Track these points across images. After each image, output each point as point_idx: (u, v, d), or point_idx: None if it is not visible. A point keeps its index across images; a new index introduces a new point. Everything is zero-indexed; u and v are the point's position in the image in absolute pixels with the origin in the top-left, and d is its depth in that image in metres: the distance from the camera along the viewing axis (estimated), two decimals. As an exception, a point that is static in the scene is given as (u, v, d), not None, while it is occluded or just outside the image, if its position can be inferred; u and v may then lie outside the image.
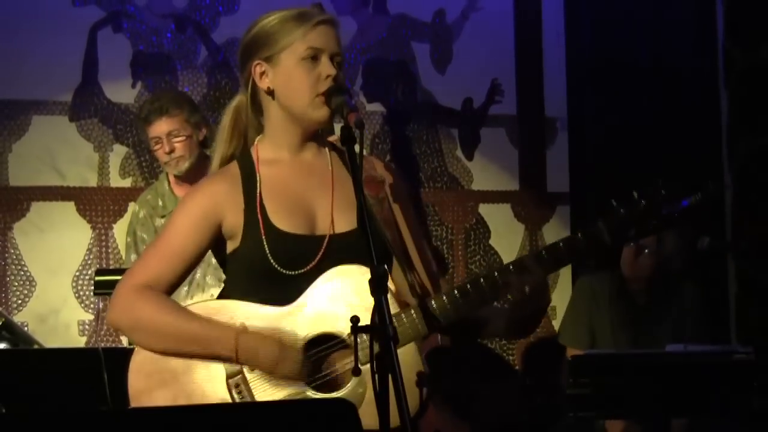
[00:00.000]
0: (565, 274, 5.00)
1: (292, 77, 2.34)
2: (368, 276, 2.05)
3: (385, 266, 2.11)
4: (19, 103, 4.59)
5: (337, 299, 2.28)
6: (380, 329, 2.00)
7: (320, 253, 2.30)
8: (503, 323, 2.39)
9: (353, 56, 4.92)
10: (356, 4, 4.95)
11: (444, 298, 2.31)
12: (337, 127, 2.30)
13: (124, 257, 3.93)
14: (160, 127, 3.84)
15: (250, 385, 2.28)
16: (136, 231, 3.91)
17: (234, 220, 2.33)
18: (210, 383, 2.28)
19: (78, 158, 4.64)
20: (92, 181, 4.65)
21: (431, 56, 5.03)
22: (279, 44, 2.35)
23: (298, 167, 2.38)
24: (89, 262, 4.60)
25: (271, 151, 2.39)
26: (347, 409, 1.83)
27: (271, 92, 2.36)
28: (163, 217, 3.87)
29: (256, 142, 2.42)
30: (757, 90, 4.88)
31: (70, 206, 4.62)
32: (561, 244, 2.32)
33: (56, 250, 4.58)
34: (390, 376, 1.95)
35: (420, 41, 5.03)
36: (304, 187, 2.36)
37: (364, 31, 4.96)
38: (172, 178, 3.93)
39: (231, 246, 2.36)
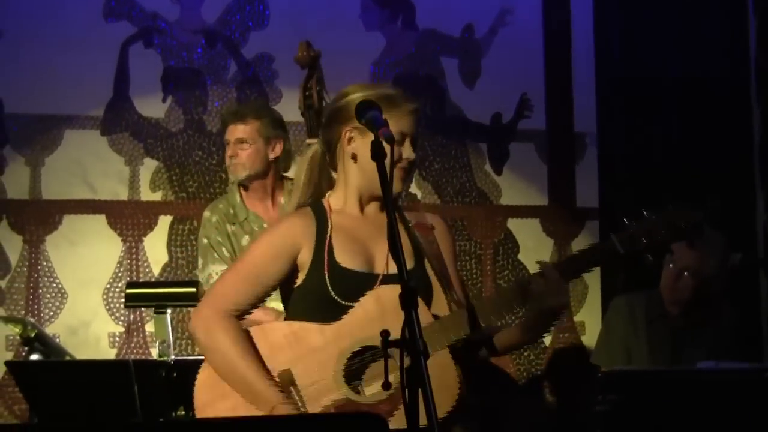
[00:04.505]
0: (594, 290, 4.97)
1: None
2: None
3: (414, 282, 2.18)
4: (51, 117, 4.64)
5: (375, 316, 2.51)
6: (410, 343, 2.02)
7: (374, 288, 2.56)
8: (515, 332, 2.66)
9: (382, 71, 4.94)
10: (385, 19, 4.97)
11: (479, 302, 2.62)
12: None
13: (200, 261, 3.93)
14: (233, 132, 3.89)
15: (301, 391, 2.53)
16: (211, 235, 3.92)
17: (306, 254, 2.60)
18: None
19: (109, 172, 4.68)
20: (123, 195, 4.69)
21: (460, 71, 5.04)
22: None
23: (362, 218, 2.67)
24: (120, 274, 4.63)
25: (341, 203, 2.68)
26: (377, 423, 1.83)
27: (354, 157, 2.65)
28: (233, 224, 3.91)
29: (327, 196, 2.70)
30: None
31: (101, 219, 4.66)
32: (579, 253, 2.66)
33: (87, 263, 4.61)
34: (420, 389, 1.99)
35: (449, 56, 5.04)
36: (366, 234, 2.64)
37: (393, 46, 4.97)
38: (242, 191, 3.95)
39: (297, 279, 2.62)
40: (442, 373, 2.44)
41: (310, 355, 2.51)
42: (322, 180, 2.73)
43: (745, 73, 5.07)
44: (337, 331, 2.51)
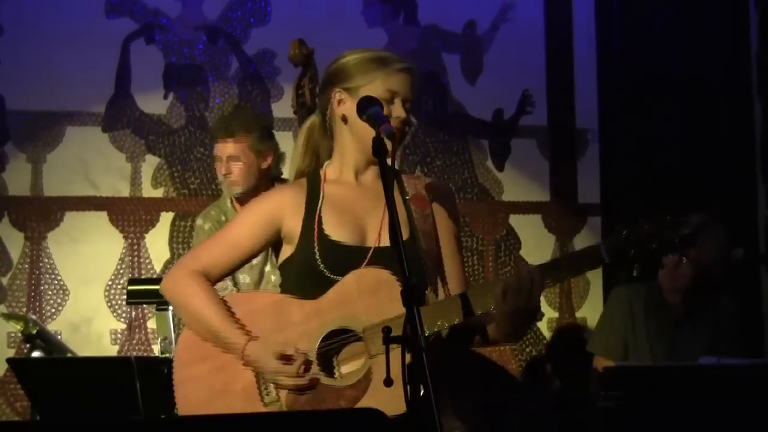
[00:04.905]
0: (596, 285, 4.98)
1: None
2: (389, 278, 2.37)
3: (416, 279, 2.15)
4: (52, 114, 4.64)
5: (353, 298, 2.46)
6: (412, 340, 2.02)
7: (364, 263, 2.50)
8: (494, 326, 2.54)
9: (384, 67, 4.93)
10: (387, 16, 4.97)
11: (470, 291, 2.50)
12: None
13: None
14: (223, 148, 3.84)
15: None
16: None
17: (293, 226, 2.56)
18: (240, 363, 2.51)
19: (111, 169, 4.68)
20: (124, 192, 4.69)
21: (462, 67, 5.03)
22: (361, 79, 2.58)
23: (358, 188, 2.61)
24: (121, 271, 4.64)
25: (337, 172, 2.62)
26: (377, 418, 1.83)
27: (345, 119, 2.59)
28: None
29: (325, 166, 2.65)
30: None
31: (102, 216, 4.66)
32: (563, 259, 2.62)
33: (89, 260, 4.62)
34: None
35: (450, 52, 5.03)
36: (359, 205, 2.58)
37: (395, 43, 4.97)
38: (234, 198, 3.94)
39: (287, 251, 2.58)
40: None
41: (287, 329, 2.49)
42: (320, 150, 2.68)
43: (747, 69, 5.06)
44: (316, 308, 2.48)
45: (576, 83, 5.11)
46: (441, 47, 5.03)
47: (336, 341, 2.47)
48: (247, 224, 2.58)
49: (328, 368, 2.47)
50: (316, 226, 2.53)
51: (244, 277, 3.86)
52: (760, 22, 5.01)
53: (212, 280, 2.57)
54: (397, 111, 2.54)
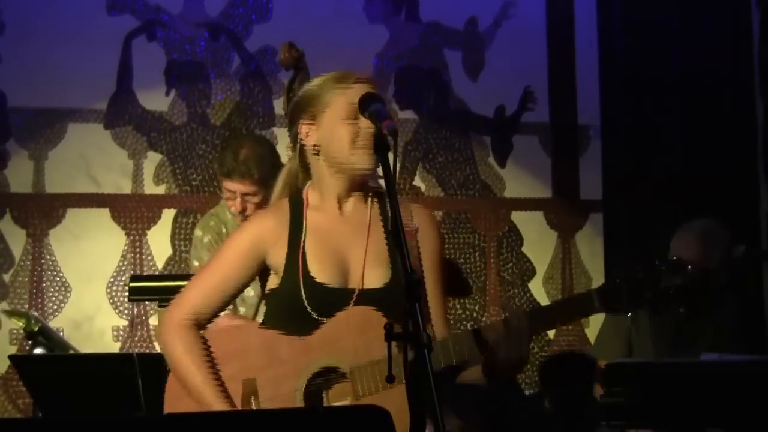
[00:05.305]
0: (598, 284, 4.96)
1: (334, 133, 2.52)
2: (378, 319, 2.36)
3: (418, 276, 2.15)
4: (54, 111, 4.64)
5: (342, 337, 2.46)
6: (414, 337, 2.01)
7: (350, 306, 2.48)
8: (475, 371, 2.51)
9: (385, 64, 4.93)
10: (388, 12, 4.96)
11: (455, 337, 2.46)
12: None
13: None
14: (240, 186, 3.72)
15: (261, 404, 2.48)
16: (203, 257, 3.82)
17: (277, 258, 2.54)
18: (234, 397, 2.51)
19: (112, 165, 4.68)
20: (126, 188, 4.69)
21: (463, 64, 5.03)
22: (321, 103, 2.53)
23: (339, 218, 2.58)
24: (123, 268, 4.64)
25: (319, 199, 2.59)
26: (382, 417, 1.83)
27: (317, 150, 2.55)
28: None
29: (306, 187, 2.61)
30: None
31: (104, 213, 4.66)
32: (554, 306, 2.59)
33: (91, 257, 4.62)
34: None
35: (452, 49, 5.03)
36: (342, 240, 2.55)
37: (397, 39, 4.96)
38: None
39: (273, 282, 2.57)
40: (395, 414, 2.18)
41: (276, 366, 2.47)
42: (301, 180, 2.63)
43: (749, 66, 5.06)
44: (305, 347, 2.47)
45: (578, 79, 5.10)
46: (443, 44, 5.03)
47: (323, 381, 2.47)
48: (232, 262, 2.55)
49: (314, 408, 2.44)
50: (300, 264, 2.50)
51: (248, 291, 3.82)
52: (762, 20, 5.00)
53: (203, 323, 2.56)
54: (366, 123, 2.46)
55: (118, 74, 4.71)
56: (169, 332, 2.54)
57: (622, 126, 5.07)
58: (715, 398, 3.33)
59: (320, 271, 2.51)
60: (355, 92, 2.48)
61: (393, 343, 2.11)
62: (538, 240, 5.03)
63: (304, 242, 2.53)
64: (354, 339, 2.43)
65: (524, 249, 5.02)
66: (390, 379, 2.14)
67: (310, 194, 2.60)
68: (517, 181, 5.03)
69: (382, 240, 2.52)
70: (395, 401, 2.15)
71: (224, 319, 3.10)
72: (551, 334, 4.96)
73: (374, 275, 2.51)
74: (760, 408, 3.30)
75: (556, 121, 5.08)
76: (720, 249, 3.94)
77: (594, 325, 4.77)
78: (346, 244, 2.54)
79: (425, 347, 2.01)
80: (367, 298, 2.48)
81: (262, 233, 2.55)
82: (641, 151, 5.01)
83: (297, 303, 2.48)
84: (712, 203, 4.71)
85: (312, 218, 2.56)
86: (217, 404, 2.45)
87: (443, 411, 1.96)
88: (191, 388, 2.48)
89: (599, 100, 5.09)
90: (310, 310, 2.48)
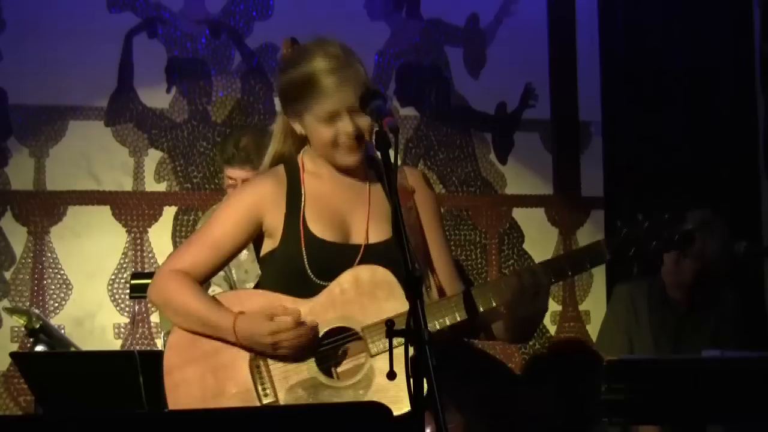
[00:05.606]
0: (599, 279, 4.97)
1: (314, 135, 2.53)
2: (387, 276, 2.33)
3: (420, 271, 2.14)
4: (55, 108, 4.64)
5: (352, 297, 2.41)
6: (415, 333, 2.01)
7: (356, 262, 2.45)
8: (502, 325, 2.50)
9: (386, 61, 4.93)
10: (389, 9, 4.96)
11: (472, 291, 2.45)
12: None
13: None
14: (240, 173, 3.79)
15: (270, 367, 2.43)
16: None
17: (274, 220, 2.50)
18: (234, 363, 2.44)
19: (113, 163, 4.68)
20: (127, 186, 4.69)
21: (465, 61, 5.03)
22: (300, 105, 2.51)
23: (337, 180, 2.55)
24: (125, 265, 4.64)
25: (314, 165, 2.57)
26: (381, 412, 1.83)
27: (306, 137, 2.57)
28: None
29: (302, 153, 2.59)
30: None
31: (105, 210, 4.66)
32: (565, 255, 2.63)
33: (92, 254, 4.62)
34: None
35: (453, 46, 5.03)
36: (342, 200, 2.53)
37: (398, 36, 4.96)
38: None
39: (269, 245, 2.52)
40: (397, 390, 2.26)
41: None
42: (296, 137, 2.62)
43: (750, 62, 5.06)
44: (312, 309, 2.42)
45: (579, 76, 5.10)
46: (444, 41, 5.02)
47: (334, 341, 2.43)
48: (228, 222, 2.52)
49: (326, 368, 2.43)
50: (301, 224, 2.47)
51: (240, 274, 3.83)
52: (763, 15, 5.00)
53: (196, 280, 2.51)
54: (345, 125, 2.47)
55: (119, 71, 4.70)
56: (160, 276, 2.51)
57: (623, 122, 5.07)
58: (715, 395, 3.33)
59: (322, 229, 2.48)
60: (329, 101, 2.46)
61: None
62: (539, 237, 5.03)
63: (303, 204, 2.50)
64: (363, 299, 2.40)
65: (525, 246, 5.02)
66: (392, 375, 2.13)
67: (306, 160, 2.59)
68: (518, 178, 5.03)
69: (382, 198, 2.50)
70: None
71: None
72: (552, 330, 4.96)
73: (378, 230, 2.49)
74: (761, 405, 3.30)
75: (558, 117, 5.08)
76: (718, 240, 3.95)
77: (595, 320, 4.78)
78: (346, 203, 2.53)
79: (426, 344, 2.00)
80: (373, 251, 2.45)
81: (260, 196, 2.53)
82: (643, 148, 5.01)
83: (297, 265, 2.44)
84: (713, 199, 4.70)
85: (309, 181, 2.54)
86: (223, 321, 2.40)
87: (445, 406, 1.97)
88: (196, 318, 2.43)
89: (600, 97, 5.08)
90: (310, 273, 2.44)
